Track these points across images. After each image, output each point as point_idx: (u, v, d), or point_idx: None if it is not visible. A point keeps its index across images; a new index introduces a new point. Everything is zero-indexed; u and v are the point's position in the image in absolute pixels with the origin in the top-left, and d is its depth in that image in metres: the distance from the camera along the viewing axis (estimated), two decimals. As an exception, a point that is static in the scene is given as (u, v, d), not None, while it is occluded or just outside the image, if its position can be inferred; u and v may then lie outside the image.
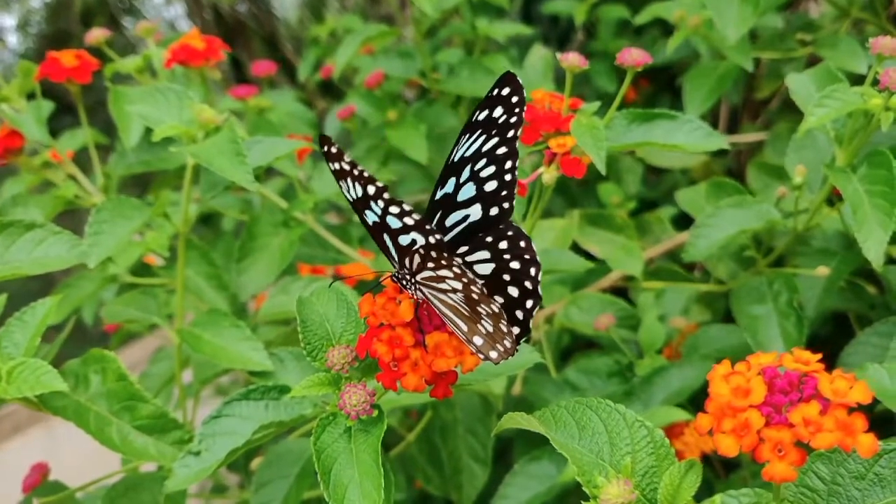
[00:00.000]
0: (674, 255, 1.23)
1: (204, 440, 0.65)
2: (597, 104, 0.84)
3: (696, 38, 1.23)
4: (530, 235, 0.88)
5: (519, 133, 0.58)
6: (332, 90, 2.13)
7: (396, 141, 1.30)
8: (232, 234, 1.33)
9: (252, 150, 0.81)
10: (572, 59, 0.77)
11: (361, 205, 0.54)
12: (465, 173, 0.59)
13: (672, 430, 0.92)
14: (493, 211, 0.59)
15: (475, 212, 0.59)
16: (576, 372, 1.01)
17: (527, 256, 0.57)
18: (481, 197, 0.59)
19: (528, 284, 0.57)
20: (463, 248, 0.59)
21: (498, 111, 0.58)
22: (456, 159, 0.59)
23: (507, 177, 0.59)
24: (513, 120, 0.58)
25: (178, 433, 0.71)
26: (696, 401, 0.96)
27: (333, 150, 0.52)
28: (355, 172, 0.52)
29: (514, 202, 0.59)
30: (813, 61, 1.26)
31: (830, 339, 1.17)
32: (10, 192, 1.25)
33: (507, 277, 0.57)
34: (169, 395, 1.01)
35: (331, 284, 0.64)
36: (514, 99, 0.58)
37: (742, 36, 1.06)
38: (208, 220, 1.62)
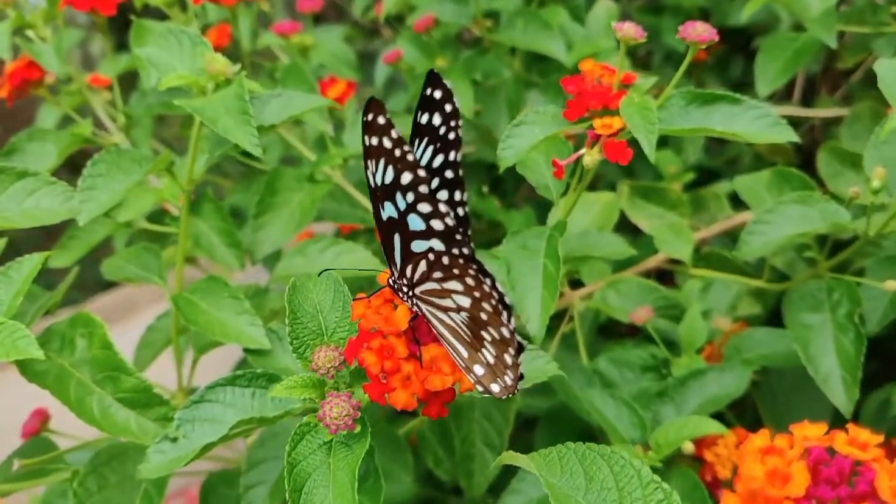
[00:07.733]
0: (729, 234, 1.14)
1: (182, 426, 0.60)
2: (651, 80, 0.75)
3: (777, 4, 1.11)
4: (572, 210, 0.81)
5: (459, 157, 0.48)
6: (394, 25, 2.03)
7: (441, 90, 1.22)
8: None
9: (268, 105, 0.74)
10: (628, 30, 0.68)
11: (384, 194, 0.45)
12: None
13: (703, 439, 0.85)
14: (455, 250, 0.48)
15: (437, 244, 0.48)
16: (607, 362, 0.94)
17: (494, 295, 0.47)
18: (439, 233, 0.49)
19: (504, 331, 0.47)
20: (437, 274, 0.48)
21: (437, 119, 0.48)
22: None
23: (460, 211, 0.49)
24: (451, 137, 0.48)
25: (163, 409, 0.67)
26: (736, 407, 0.89)
27: (381, 120, 0.43)
28: (397, 154, 0.43)
29: (473, 247, 0.49)
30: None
31: (886, 340, 1.08)
32: (44, 120, 1.21)
33: (484, 316, 0.47)
34: (173, 351, 0.96)
35: (321, 273, 0.57)
36: (448, 108, 0.48)
37: (828, 7, 0.95)
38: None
